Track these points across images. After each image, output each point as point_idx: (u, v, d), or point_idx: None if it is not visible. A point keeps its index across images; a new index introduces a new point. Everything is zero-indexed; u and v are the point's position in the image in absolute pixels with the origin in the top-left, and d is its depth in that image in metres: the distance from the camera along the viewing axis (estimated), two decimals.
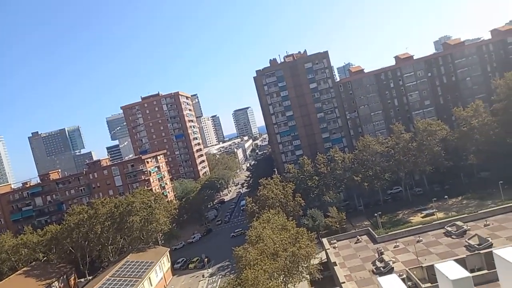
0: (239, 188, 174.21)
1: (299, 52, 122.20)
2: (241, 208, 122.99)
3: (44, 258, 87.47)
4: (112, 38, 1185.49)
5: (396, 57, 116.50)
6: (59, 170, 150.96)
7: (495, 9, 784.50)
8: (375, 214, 76.95)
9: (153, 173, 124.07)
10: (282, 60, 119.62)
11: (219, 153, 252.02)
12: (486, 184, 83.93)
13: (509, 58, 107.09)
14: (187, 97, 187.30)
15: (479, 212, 63.45)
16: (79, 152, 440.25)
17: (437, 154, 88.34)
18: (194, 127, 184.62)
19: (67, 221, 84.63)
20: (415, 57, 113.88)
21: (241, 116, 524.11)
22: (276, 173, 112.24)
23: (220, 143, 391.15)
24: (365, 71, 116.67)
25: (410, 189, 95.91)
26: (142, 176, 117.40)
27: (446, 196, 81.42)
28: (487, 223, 57.33)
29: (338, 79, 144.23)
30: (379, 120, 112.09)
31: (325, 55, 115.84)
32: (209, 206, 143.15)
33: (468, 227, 56.98)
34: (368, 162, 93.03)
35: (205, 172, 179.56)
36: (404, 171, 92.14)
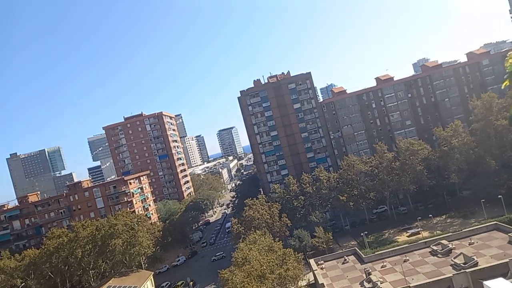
0: (225, 209, 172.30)
1: (283, 73, 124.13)
2: (227, 230, 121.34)
3: (22, 284, 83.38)
4: (95, 60, 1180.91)
5: (377, 79, 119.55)
6: (39, 192, 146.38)
7: (470, 33, 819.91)
8: (362, 234, 77.05)
9: (136, 194, 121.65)
10: (266, 81, 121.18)
11: (203, 173, 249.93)
12: (468, 202, 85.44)
13: (484, 80, 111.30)
14: (171, 117, 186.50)
15: (463, 230, 64.26)
16: (59, 173, 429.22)
17: (419, 173, 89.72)
18: (178, 147, 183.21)
19: (46, 245, 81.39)
20: (395, 79, 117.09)
21: (225, 136, 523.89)
22: (261, 193, 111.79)
23: (205, 163, 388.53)
24: (347, 92, 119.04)
25: (395, 208, 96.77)
26: (125, 198, 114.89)
27: (430, 215, 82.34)
28: (472, 241, 57.99)
29: (321, 100, 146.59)
30: (363, 139, 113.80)
31: (308, 76, 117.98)
32: (194, 227, 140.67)
33: (453, 246, 57.47)
34: (353, 181, 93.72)
35: (190, 193, 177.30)
36: (388, 190, 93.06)
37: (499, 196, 72.32)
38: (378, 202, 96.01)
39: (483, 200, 74.98)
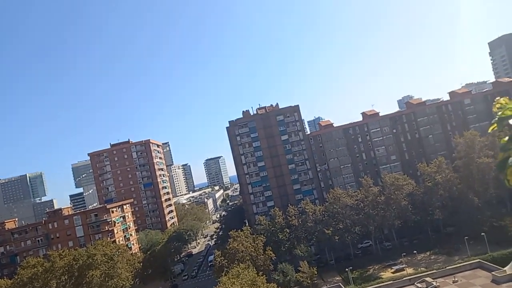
0: (208, 240, 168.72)
1: (271, 105, 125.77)
2: (209, 264, 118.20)
3: None
4: (81, 84, 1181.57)
5: (363, 113, 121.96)
6: (16, 219, 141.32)
7: (451, 73, 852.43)
8: (346, 269, 75.95)
9: (118, 223, 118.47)
10: (255, 112, 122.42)
11: (188, 203, 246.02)
12: (452, 239, 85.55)
13: (466, 118, 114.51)
14: (158, 145, 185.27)
15: (448, 268, 64.04)
16: (39, 199, 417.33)
17: (404, 209, 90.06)
18: (163, 176, 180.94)
19: (19, 275, 77.70)
20: (380, 114, 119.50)
21: (212, 166, 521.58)
22: (246, 224, 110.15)
23: (190, 192, 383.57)
24: (334, 125, 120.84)
25: (380, 243, 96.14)
26: (106, 227, 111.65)
27: (415, 251, 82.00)
28: (456, 279, 57.63)
29: (309, 132, 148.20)
30: (349, 173, 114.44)
31: (296, 108, 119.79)
32: (175, 259, 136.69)
33: (438, 284, 56.98)
34: (339, 215, 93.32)
35: (173, 222, 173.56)
36: (373, 224, 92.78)
37: (482, 234, 72.77)
38: (363, 236, 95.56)
39: (466, 237, 75.24)
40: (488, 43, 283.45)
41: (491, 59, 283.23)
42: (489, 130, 4.40)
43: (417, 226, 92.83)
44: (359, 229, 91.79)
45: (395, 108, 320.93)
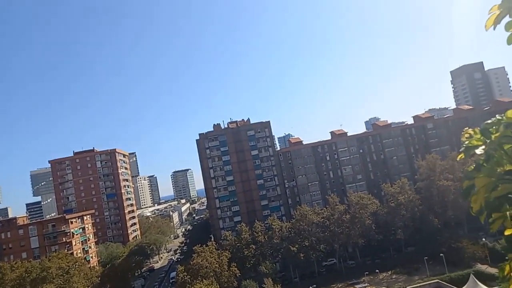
0: (172, 255, 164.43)
1: (243, 119, 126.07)
2: (171, 281, 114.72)
3: None
4: (46, 90, 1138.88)
5: (332, 133, 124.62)
6: None
7: (416, 98, 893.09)
8: (310, 287, 76.00)
9: (77, 235, 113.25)
10: (226, 126, 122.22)
11: (153, 215, 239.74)
12: (412, 259, 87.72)
13: (429, 142, 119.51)
14: (124, 155, 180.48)
15: (408, 287, 65.39)
16: None
17: (368, 228, 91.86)
18: (128, 187, 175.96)
19: None
20: (348, 134, 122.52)
21: (180, 178, 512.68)
22: (212, 239, 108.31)
23: (156, 205, 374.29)
24: (304, 143, 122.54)
25: (344, 262, 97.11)
26: (64, 238, 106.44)
27: (377, 270, 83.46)
28: None
29: (279, 148, 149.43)
30: (316, 190, 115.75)
31: (267, 124, 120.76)
32: (136, 274, 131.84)
33: None
34: (305, 232, 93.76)
35: (136, 236, 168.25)
36: (338, 242, 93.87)
37: (441, 254, 75.24)
38: (328, 254, 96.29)
39: (426, 257, 77.51)
40: (450, 71, 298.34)
41: (452, 87, 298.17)
42: (457, 159, 4.47)
43: (380, 245, 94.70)
44: (324, 246, 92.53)
45: (363, 129, 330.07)
